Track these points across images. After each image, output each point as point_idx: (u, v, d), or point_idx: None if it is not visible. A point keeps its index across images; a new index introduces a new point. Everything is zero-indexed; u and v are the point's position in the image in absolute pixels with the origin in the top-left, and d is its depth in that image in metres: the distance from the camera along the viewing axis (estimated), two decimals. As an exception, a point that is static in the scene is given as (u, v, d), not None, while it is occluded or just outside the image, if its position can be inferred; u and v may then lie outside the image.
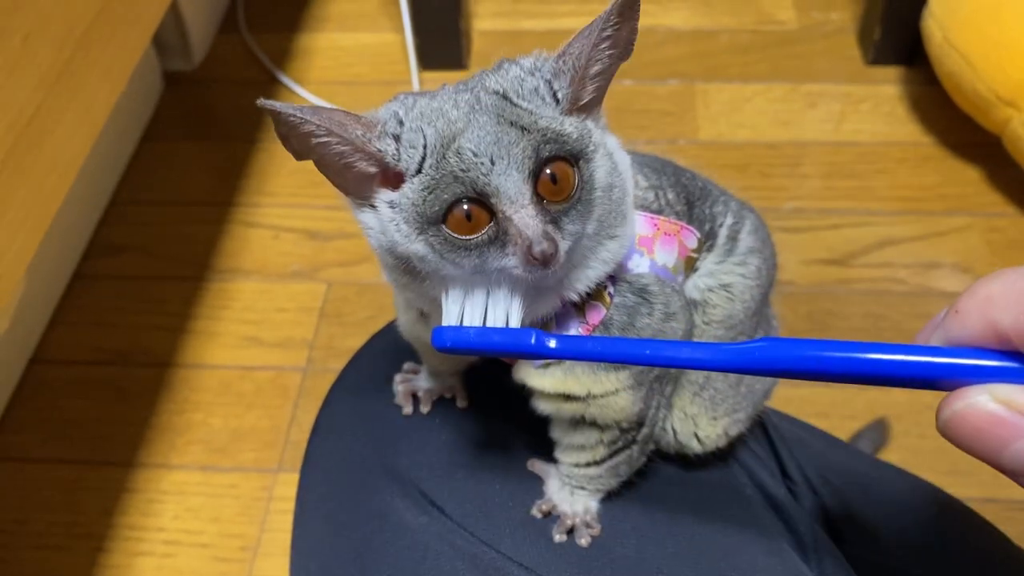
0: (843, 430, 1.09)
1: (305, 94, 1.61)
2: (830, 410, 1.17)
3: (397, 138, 0.40)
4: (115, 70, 0.89)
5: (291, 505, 0.63)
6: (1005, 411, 0.29)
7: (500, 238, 0.40)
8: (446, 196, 0.39)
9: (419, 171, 0.40)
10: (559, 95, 0.42)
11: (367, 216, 0.43)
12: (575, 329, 0.46)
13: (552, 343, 0.39)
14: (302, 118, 0.39)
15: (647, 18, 1.71)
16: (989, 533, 0.65)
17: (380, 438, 0.59)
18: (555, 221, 0.40)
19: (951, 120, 1.48)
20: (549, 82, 0.42)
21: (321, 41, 1.74)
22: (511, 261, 0.40)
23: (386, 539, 0.53)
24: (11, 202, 0.71)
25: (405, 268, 0.43)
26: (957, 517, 0.66)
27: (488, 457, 0.57)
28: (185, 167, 1.53)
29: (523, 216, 0.39)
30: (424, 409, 0.59)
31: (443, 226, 0.40)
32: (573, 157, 0.41)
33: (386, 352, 0.64)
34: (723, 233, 0.53)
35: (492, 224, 0.40)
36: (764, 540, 0.57)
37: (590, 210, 0.42)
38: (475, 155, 0.39)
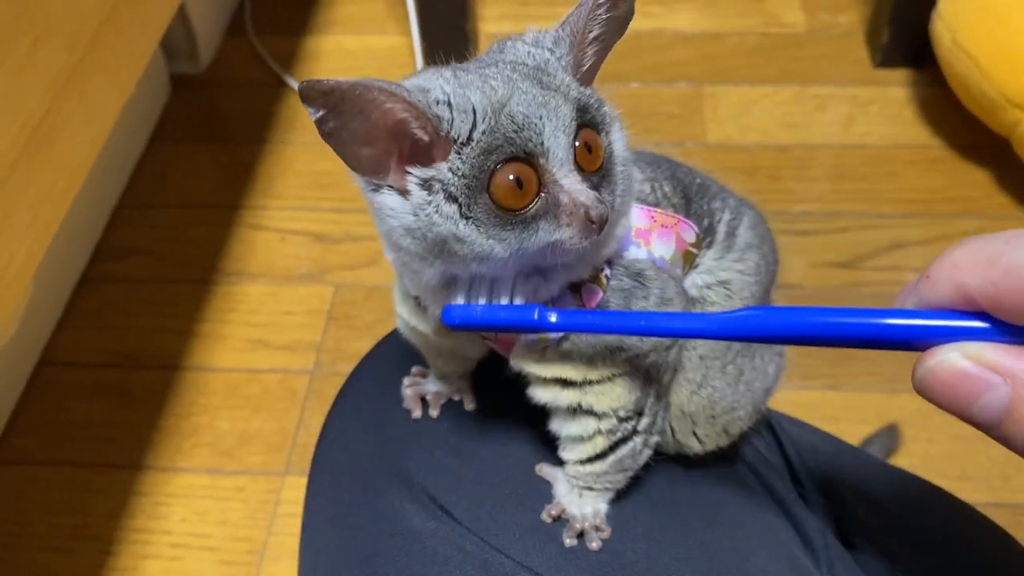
0: (853, 435, 1.08)
1: (312, 97, 1.61)
2: (840, 415, 1.16)
3: (449, 105, 0.39)
4: (123, 73, 0.89)
5: (298, 508, 0.62)
6: (973, 366, 0.31)
7: (551, 210, 0.40)
8: (496, 157, 0.39)
9: (468, 139, 0.39)
10: (562, 62, 0.42)
11: (389, 198, 0.41)
12: None
13: (553, 317, 0.42)
14: (365, 87, 0.37)
15: (654, 20, 1.70)
16: (1001, 539, 0.64)
17: (388, 442, 0.59)
18: (595, 187, 0.41)
19: (960, 123, 1.47)
20: (552, 51, 0.43)
21: (328, 44, 1.74)
22: (566, 232, 0.40)
23: (395, 544, 0.53)
24: (20, 205, 0.71)
25: (436, 250, 0.41)
26: (969, 523, 0.66)
27: (497, 461, 0.56)
28: (192, 170, 1.54)
29: (572, 182, 0.40)
30: (433, 413, 0.59)
31: (489, 198, 0.39)
32: (599, 126, 0.42)
33: (394, 355, 0.64)
34: (721, 229, 0.52)
35: (541, 195, 0.40)
36: (774, 544, 0.56)
37: (615, 182, 0.42)
38: (526, 116, 0.39)
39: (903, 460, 1.09)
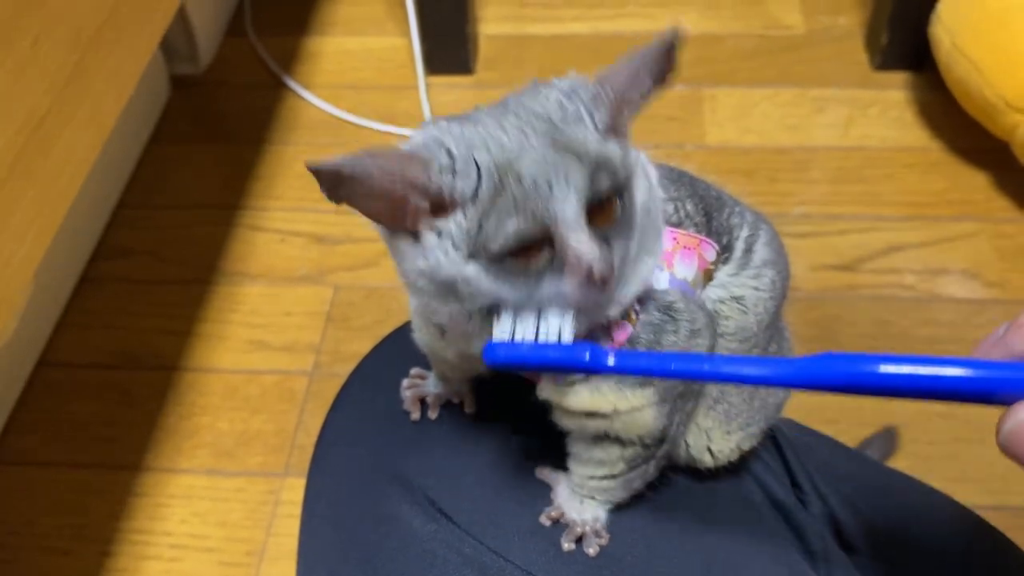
0: (851, 437, 1.08)
1: (311, 98, 1.61)
2: (839, 417, 1.16)
3: (453, 171, 0.39)
4: (123, 73, 0.89)
5: (298, 510, 0.62)
6: None
7: (556, 264, 0.39)
8: (505, 228, 0.38)
9: (474, 197, 0.39)
10: (597, 122, 0.41)
11: (403, 243, 0.42)
12: None
13: (611, 359, 0.39)
14: (364, 170, 0.37)
15: (653, 22, 1.70)
16: (999, 542, 0.64)
17: (387, 443, 0.59)
18: (606, 241, 0.40)
19: (959, 126, 1.47)
20: (588, 107, 0.41)
21: (328, 45, 1.74)
22: (567, 287, 0.39)
23: (394, 546, 0.53)
24: (20, 205, 0.71)
25: (447, 292, 0.42)
26: (968, 526, 0.66)
27: (496, 464, 0.56)
28: (192, 171, 1.54)
29: (580, 240, 0.39)
30: (432, 415, 0.59)
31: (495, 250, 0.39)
32: (618, 187, 0.41)
33: (393, 357, 0.64)
34: (739, 246, 0.52)
35: (547, 250, 0.39)
36: (773, 548, 0.56)
37: (632, 231, 0.42)
38: (534, 182, 0.38)
39: (902, 462, 1.09)
